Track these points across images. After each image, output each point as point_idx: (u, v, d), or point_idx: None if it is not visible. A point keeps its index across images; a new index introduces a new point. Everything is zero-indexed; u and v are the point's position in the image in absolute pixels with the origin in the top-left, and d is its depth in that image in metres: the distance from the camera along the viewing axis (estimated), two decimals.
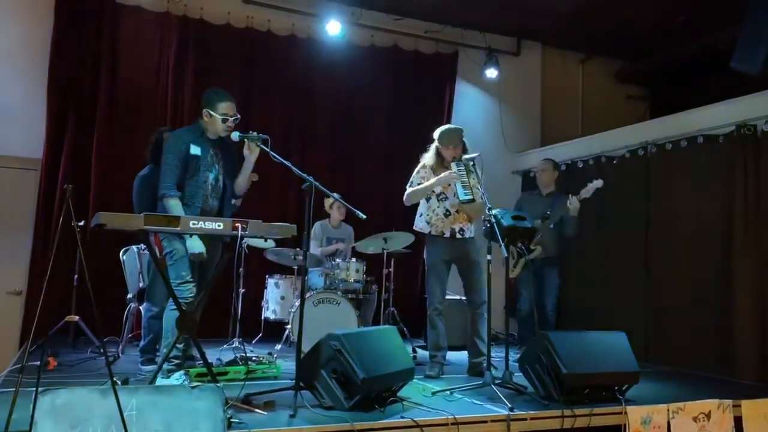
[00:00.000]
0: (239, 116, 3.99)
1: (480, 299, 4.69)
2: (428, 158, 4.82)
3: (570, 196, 5.49)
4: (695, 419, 3.81)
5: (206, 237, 3.81)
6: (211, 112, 3.92)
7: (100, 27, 6.39)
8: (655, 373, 5.11)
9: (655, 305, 5.97)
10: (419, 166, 4.86)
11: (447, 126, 4.85)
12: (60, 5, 6.21)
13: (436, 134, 4.80)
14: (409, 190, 4.80)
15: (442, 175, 4.60)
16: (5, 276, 6.05)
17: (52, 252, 3.07)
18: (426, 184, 4.67)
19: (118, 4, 6.45)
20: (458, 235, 4.76)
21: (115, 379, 3.18)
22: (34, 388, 2.53)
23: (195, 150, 3.90)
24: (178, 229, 3.14)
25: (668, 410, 3.76)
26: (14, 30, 6.22)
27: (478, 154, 4.57)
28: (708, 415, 3.85)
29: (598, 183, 5.46)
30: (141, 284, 5.19)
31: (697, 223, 5.67)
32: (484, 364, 4.26)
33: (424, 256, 4.92)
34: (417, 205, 4.93)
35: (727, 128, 5.51)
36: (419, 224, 4.91)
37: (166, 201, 3.84)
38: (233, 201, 5.06)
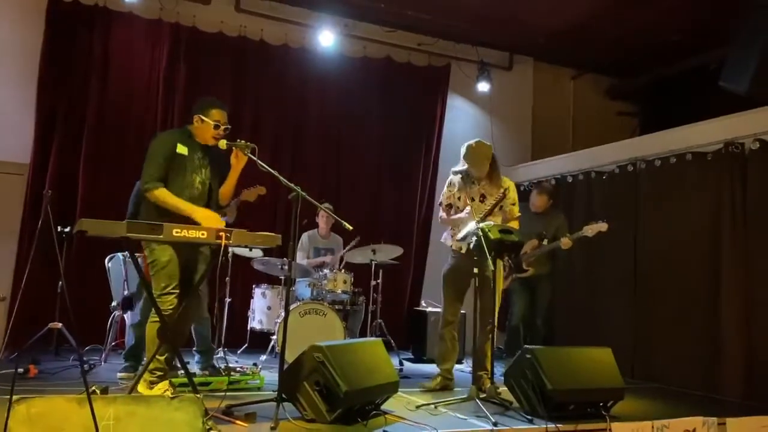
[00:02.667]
0: (230, 126, 3.97)
1: (490, 316, 4.49)
2: (456, 177, 4.73)
3: (566, 235, 5.53)
4: None
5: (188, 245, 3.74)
6: (203, 118, 3.87)
7: (91, 33, 6.36)
8: (640, 389, 5.11)
9: (641, 321, 5.97)
10: (448, 181, 4.80)
11: (475, 141, 4.66)
12: (51, 11, 6.19)
13: (462, 150, 4.66)
14: (442, 215, 4.80)
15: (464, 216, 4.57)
16: None
17: (29, 259, 3.03)
18: (455, 218, 4.66)
19: (109, 10, 6.43)
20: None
21: (94, 388, 3.15)
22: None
23: (182, 149, 3.82)
24: (161, 237, 3.11)
25: (653, 427, 3.74)
26: (4, 34, 6.19)
27: (466, 166, 4.56)
28: None
29: (602, 226, 5.39)
30: (125, 292, 5.15)
31: (685, 240, 5.68)
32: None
33: (446, 268, 4.79)
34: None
35: (715, 146, 5.54)
36: (448, 240, 4.82)
37: (151, 194, 3.70)
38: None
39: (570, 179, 7.10)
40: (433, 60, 7.91)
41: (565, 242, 5.51)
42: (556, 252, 5.74)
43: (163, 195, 3.69)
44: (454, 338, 4.75)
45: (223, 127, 3.91)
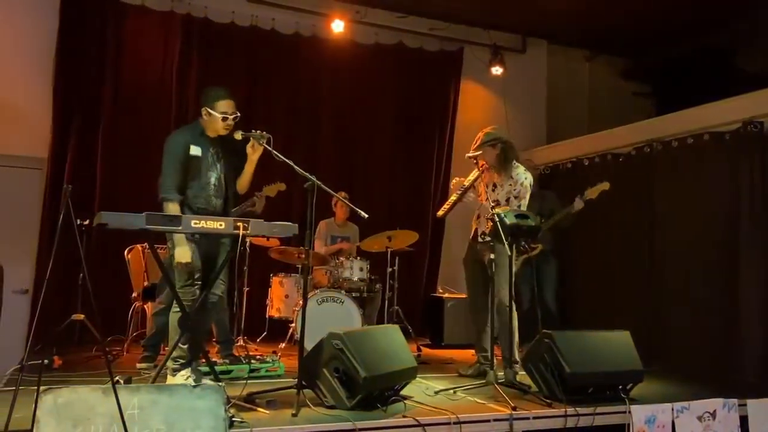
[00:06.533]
0: (239, 114, 3.97)
1: (495, 298, 4.54)
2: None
3: (577, 198, 5.51)
4: (700, 418, 3.78)
5: (209, 237, 3.83)
6: (210, 111, 3.87)
7: (105, 26, 6.40)
8: (659, 372, 5.08)
9: (659, 304, 5.93)
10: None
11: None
12: (65, 5, 6.22)
13: None
14: None
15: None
16: (12, 275, 6.06)
17: (53, 252, 3.07)
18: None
19: (122, 3, 6.46)
20: (480, 239, 4.69)
21: (118, 378, 3.20)
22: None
23: (195, 150, 3.86)
24: (180, 228, 3.15)
25: (673, 409, 3.74)
26: (19, 29, 6.24)
27: (480, 152, 4.55)
28: (713, 414, 3.82)
29: (604, 185, 5.47)
30: (146, 283, 5.22)
31: (702, 221, 5.62)
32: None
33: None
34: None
35: (733, 125, 5.46)
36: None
37: (165, 205, 3.81)
38: (251, 208, 5.11)
39: (586, 162, 7.05)
40: (445, 45, 7.86)
41: (578, 203, 5.56)
42: (559, 226, 5.76)
43: (169, 212, 3.74)
44: (482, 324, 4.72)
45: (231, 117, 3.90)
